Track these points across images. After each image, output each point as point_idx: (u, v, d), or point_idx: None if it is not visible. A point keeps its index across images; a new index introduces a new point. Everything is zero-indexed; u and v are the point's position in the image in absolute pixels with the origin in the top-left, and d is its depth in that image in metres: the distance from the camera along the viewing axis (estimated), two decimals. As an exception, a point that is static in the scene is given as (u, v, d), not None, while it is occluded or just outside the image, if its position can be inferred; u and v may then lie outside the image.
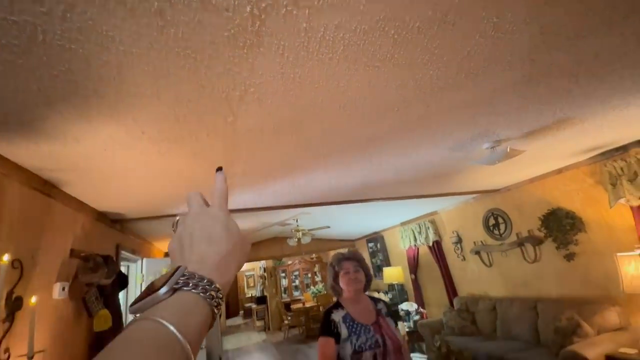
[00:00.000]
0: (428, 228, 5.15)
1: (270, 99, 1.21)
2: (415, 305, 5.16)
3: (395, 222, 6.06)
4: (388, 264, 6.45)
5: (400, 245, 5.94)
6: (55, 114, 1.10)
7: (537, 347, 3.02)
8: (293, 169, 2.13)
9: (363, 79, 1.18)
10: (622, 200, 2.68)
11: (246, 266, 11.83)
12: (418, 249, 5.56)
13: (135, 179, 1.85)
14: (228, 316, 12.20)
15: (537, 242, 3.53)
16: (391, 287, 6.09)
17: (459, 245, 4.68)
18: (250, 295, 13.11)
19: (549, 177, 3.38)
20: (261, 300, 10.21)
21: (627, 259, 2.49)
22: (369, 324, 1.49)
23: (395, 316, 1.61)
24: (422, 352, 4.30)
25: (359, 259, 1.66)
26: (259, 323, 9.79)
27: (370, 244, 7.21)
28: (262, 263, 10.52)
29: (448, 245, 4.90)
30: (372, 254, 7.18)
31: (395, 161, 2.31)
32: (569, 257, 3.21)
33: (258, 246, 7.32)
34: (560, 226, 3.25)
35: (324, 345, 1.45)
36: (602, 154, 2.87)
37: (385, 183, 2.94)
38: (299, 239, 5.44)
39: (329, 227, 5.37)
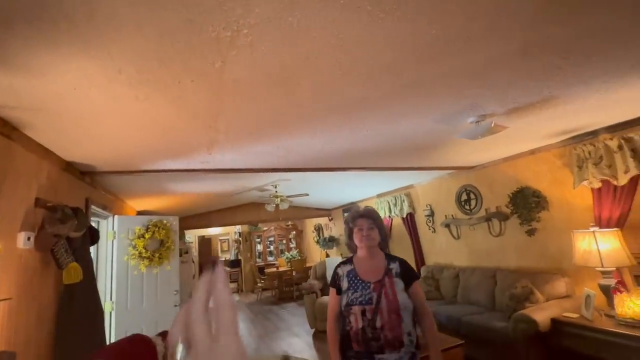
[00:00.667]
0: (403, 201, 5.32)
1: (263, 45, 1.13)
2: (384, 272, 5.43)
3: (372, 194, 6.20)
4: (362, 234, 6.66)
5: (375, 216, 6.12)
6: (17, 38, 0.97)
7: (492, 311, 3.32)
8: (279, 129, 2.07)
9: (363, 32, 1.12)
10: (585, 182, 2.87)
11: (221, 230, 11.83)
12: (392, 220, 5.76)
13: (108, 126, 1.72)
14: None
15: (503, 217, 3.76)
16: (363, 255, 6.35)
17: (431, 218, 4.89)
18: (224, 259, 13.27)
19: (522, 157, 3.53)
20: (235, 263, 10.35)
21: (582, 235, 2.72)
22: (372, 281, 1.51)
23: (408, 277, 1.53)
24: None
25: (375, 217, 1.62)
26: (232, 285, 10.00)
27: (346, 214, 7.38)
28: (238, 228, 10.55)
29: (420, 218, 5.11)
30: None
31: (381, 129, 2.30)
32: (530, 232, 3.46)
33: (235, 211, 7.28)
34: (526, 204, 3.46)
35: (330, 294, 1.64)
36: (573, 137, 3.01)
37: (368, 152, 2.95)
38: (277, 205, 5.45)
39: (307, 194, 5.40)
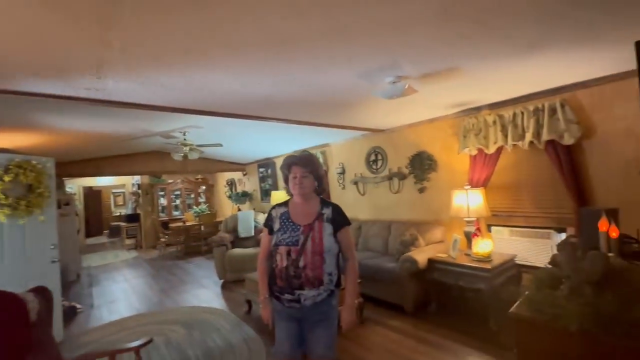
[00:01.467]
0: (318, 158, 5.50)
1: None
2: (296, 225, 5.68)
3: (289, 150, 6.21)
4: (276, 189, 6.73)
5: (290, 172, 6.21)
6: None
7: (385, 255, 3.87)
8: (192, 58, 1.80)
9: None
10: (466, 150, 3.44)
11: (113, 181, 10.33)
12: (306, 176, 5.94)
13: None
14: (89, 235, 10.82)
15: (402, 177, 4.27)
16: (276, 209, 6.48)
17: (342, 176, 5.23)
18: (118, 213, 11.79)
19: (423, 124, 3.99)
20: (133, 217, 9.33)
21: (458, 193, 3.30)
22: (302, 224, 1.57)
23: (338, 222, 1.60)
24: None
25: (309, 165, 1.61)
26: (129, 241, 9.08)
27: (262, 169, 7.29)
28: (136, 179, 9.38)
29: (332, 175, 5.41)
30: (262, 179, 7.32)
31: (305, 78, 2.25)
32: (422, 190, 4.04)
33: (134, 159, 6.39)
34: (421, 166, 4.00)
35: (263, 234, 1.72)
36: (464, 110, 3.52)
37: (289, 102, 2.88)
38: (185, 155, 4.98)
39: (221, 145, 5.07)
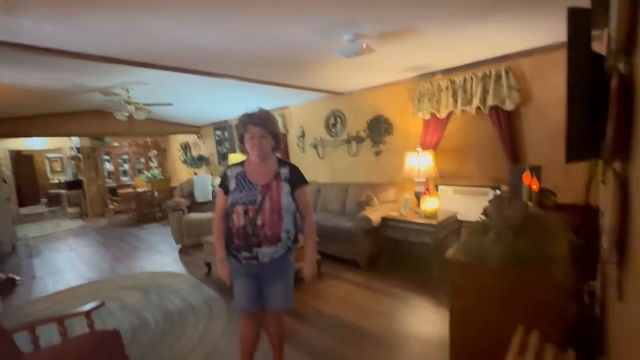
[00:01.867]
0: (275, 116, 5.38)
1: None
2: (255, 189, 5.65)
3: (247, 112, 5.97)
4: (234, 152, 6.53)
5: (248, 135, 6.03)
6: None
7: (343, 216, 4.04)
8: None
9: None
10: (420, 114, 3.58)
11: (47, 145, 9.24)
12: (265, 140, 5.82)
13: None
14: (22, 204, 9.79)
15: (359, 140, 4.36)
16: (235, 174, 6.34)
17: (301, 139, 5.20)
18: (57, 180, 10.72)
19: (381, 88, 4.03)
20: (74, 184, 8.56)
21: (411, 156, 3.48)
22: (259, 184, 1.56)
23: (296, 182, 1.61)
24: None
25: (268, 124, 1.55)
26: (72, 210, 8.38)
27: (218, 132, 6.96)
28: (75, 142, 8.49)
29: (292, 138, 5.35)
30: (219, 142, 7.03)
31: (260, 31, 2.11)
32: (378, 153, 4.19)
33: (70, 119, 5.72)
34: (378, 129, 4.10)
35: (218, 194, 1.68)
36: (420, 75, 3.60)
37: (244, 58, 2.71)
38: (130, 114, 4.56)
39: (171, 104, 4.71)
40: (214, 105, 5.51)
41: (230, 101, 5.13)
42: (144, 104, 4.47)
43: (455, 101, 3.31)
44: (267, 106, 5.47)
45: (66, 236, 6.20)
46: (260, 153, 1.56)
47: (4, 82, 3.39)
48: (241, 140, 1.62)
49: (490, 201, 1.45)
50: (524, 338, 1.01)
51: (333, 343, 2.20)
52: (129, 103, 4.40)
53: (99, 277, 3.83)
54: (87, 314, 1.85)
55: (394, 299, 2.75)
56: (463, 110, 3.28)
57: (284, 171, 1.62)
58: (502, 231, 1.38)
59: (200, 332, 2.42)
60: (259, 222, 1.53)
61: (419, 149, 3.47)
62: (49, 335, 2.33)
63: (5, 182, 6.19)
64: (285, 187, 1.59)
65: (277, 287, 1.66)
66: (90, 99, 4.83)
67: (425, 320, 2.41)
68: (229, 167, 1.68)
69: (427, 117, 3.54)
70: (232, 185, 1.61)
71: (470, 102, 3.21)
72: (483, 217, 1.61)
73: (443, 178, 3.62)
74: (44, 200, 10.92)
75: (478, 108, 3.14)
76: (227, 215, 1.63)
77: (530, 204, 1.53)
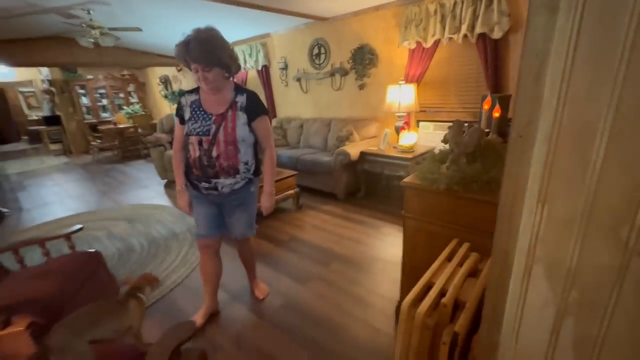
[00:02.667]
0: (259, 51, 5.04)
1: None
2: (238, 125, 5.55)
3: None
4: (216, 87, 6.24)
5: (229, 67, 5.69)
6: None
7: (324, 151, 4.07)
8: None
9: None
10: (405, 43, 3.37)
11: (16, 77, 8.63)
12: (247, 73, 5.52)
13: None
14: (2, 142, 9.53)
15: (343, 73, 4.17)
16: (218, 109, 6.14)
17: (284, 72, 4.94)
18: (35, 116, 10.28)
19: (368, 13, 3.71)
20: (52, 120, 8.24)
21: (392, 89, 3.37)
22: (215, 114, 1.47)
23: (253, 111, 1.49)
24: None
25: (209, 58, 1.33)
26: (54, 147, 8.23)
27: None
28: (45, 74, 7.94)
29: (275, 71, 5.08)
30: (199, 76, 6.65)
31: None
32: (362, 86, 4.04)
33: (29, 46, 5.25)
34: (363, 60, 3.89)
35: (175, 124, 1.61)
36: (409, -3, 3.30)
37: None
38: (96, 41, 4.18)
39: (139, 29, 4.31)
40: (187, 30, 5.07)
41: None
42: (110, 29, 4.08)
43: (443, 28, 3.10)
44: (247, 33, 5.05)
45: (51, 172, 6.18)
46: (210, 87, 1.43)
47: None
48: (189, 67, 1.42)
49: (449, 127, 1.46)
50: (456, 248, 1.12)
51: (305, 263, 2.40)
52: (92, 27, 4.00)
53: (86, 209, 3.94)
54: (67, 236, 1.95)
55: (367, 227, 2.93)
56: (450, 39, 3.10)
57: (241, 99, 1.50)
58: (458, 157, 1.42)
59: (182, 255, 2.59)
60: (213, 153, 1.47)
61: (402, 82, 3.35)
62: (36, 259, 2.47)
63: (-25, 116, 5.91)
64: (242, 117, 1.49)
65: (238, 215, 1.67)
66: (47, 21, 4.38)
67: (391, 245, 2.60)
68: (183, 94, 1.56)
69: (413, 46, 3.35)
70: (187, 114, 1.52)
71: (458, 29, 3.01)
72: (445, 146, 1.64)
73: (425, 113, 3.57)
74: (25, 138, 10.61)
75: (465, 36, 2.97)
76: (185, 146, 1.56)
77: (488, 131, 1.55)
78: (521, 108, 0.41)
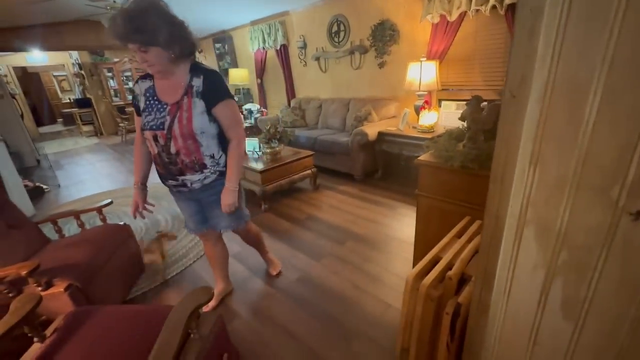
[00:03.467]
0: (278, 30, 4.98)
1: None
2: (257, 106, 5.59)
3: (245, 21, 5.50)
4: (236, 66, 6.26)
5: (249, 48, 5.68)
6: None
7: (342, 132, 4.04)
8: None
9: None
10: (429, 17, 3.21)
11: (49, 61, 9.04)
12: (266, 52, 5.50)
13: None
14: (40, 124, 10.15)
15: (363, 51, 4.05)
16: (237, 90, 6.19)
17: (303, 51, 4.87)
18: (68, 99, 10.82)
19: (390, -15, 3.55)
20: (84, 103, 8.64)
21: (413, 67, 3.25)
22: (169, 103, 1.26)
23: (211, 98, 1.27)
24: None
25: (142, 36, 1.10)
26: (86, 128, 8.66)
27: (218, 45, 6.56)
28: (75, 58, 8.27)
29: (294, 50, 5.02)
30: (220, 56, 6.69)
31: None
32: (382, 65, 3.93)
33: (59, 30, 5.46)
34: (383, 37, 3.76)
35: (134, 114, 1.40)
36: (433, -33, 3.11)
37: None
38: (120, 23, 4.28)
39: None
40: (208, 11, 5.07)
41: (226, 8, 4.69)
42: (132, 11, 4.16)
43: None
44: (266, 12, 5.03)
45: (84, 152, 6.55)
46: (154, 71, 1.21)
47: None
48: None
49: (466, 104, 1.42)
50: (467, 225, 1.11)
51: (321, 241, 2.46)
52: (116, 9, 4.10)
53: (116, 187, 4.17)
54: (99, 209, 2.09)
55: (383, 208, 2.94)
56: (477, 11, 2.91)
57: (197, 83, 1.25)
58: (474, 134, 1.38)
59: (204, 230, 2.72)
60: (172, 150, 1.28)
61: (423, 59, 3.22)
62: (72, 230, 2.67)
63: (15, 99, 6.30)
64: (199, 105, 1.25)
65: (218, 212, 1.49)
66: (76, 7, 4.52)
67: (407, 225, 2.60)
68: (137, 80, 1.35)
69: (437, 20, 3.19)
70: (142, 104, 1.32)
71: (486, 0, 2.83)
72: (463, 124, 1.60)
73: (447, 92, 3.44)
74: (60, 120, 11.23)
75: (494, 7, 2.78)
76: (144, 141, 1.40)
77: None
78: (515, 65, 0.40)
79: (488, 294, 0.55)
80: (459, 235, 1.08)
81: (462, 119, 1.50)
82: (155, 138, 1.29)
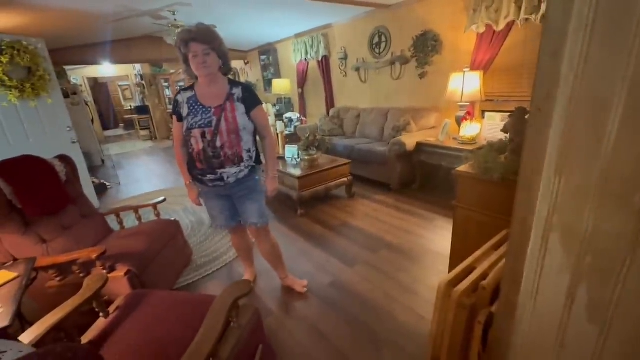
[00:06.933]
0: (320, 42, 5.15)
1: None
2: (297, 115, 5.79)
3: (290, 34, 5.77)
4: (279, 77, 6.55)
5: (292, 59, 5.93)
6: None
7: (379, 141, 4.05)
8: None
9: None
10: (474, 27, 3.15)
11: (116, 71, 10.13)
12: (308, 63, 5.70)
13: None
14: (105, 128, 11.35)
15: (404, 61, 4.06)
16: (279, 100, 6.47)
17: (344, 62, 4.99)
18: (129, 107, 12.00)
19: (434, -3, 3.55)
20: (143, 110, 9.53)
21: (456, 77, 3.20)
22: (213, 106, 1.52)
23: (250, 102, 1.57)
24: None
25: (210, 40, 1.44)
26: (143, 133, 9.51)
27: (263, 57, 6.93)
28: (138, 70, 9.18)
29: (334, 61, 5.16)
30: (264, 67, 7.05)
31: None
32: (422, 75, 3.90)
33: (128, 45, 6.12)
34: (425, 47, 3.75)
35: (173, 122, 1.65)
36: (480, -23, 3.07)
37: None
38: (179, 38, 4.73)
39: (215, 27, 4.73)
40: (257, 27, 5.41)
41: (272, 21, 4.98)
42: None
43: (519, 8, 2.83)
44: (310, 25, 5.21)
45: (141, 154, 7.21)
46: (207, 72, 1.47)
47: (63, 7, 3.70)
48: (185, 61, 1.51)
49: (510, 115, 1.39)
50: (504, 239, 1.09)
51: (354, 248, 2.49)
52: (176, 27, 4.54)
53: (167, 187, 4.55)
54: (154, 205, 2.32)
55: (419, 219, 2.89)
56: (527, 20, 2.82)
57: (237, 91, 1.56)
58: (517, 146, 1.35)
59: (244, 231, 2.88)
60: (218, 143, 1.53)
61: (466, 69, 3.16)
62: (130, 222, 2.97)
63: (88, 105, 7.15)
64: (240, 107, 1.55)
65: (248, 206, 1.72)
66: (143, 25, 5.07)
67: (443, 238, 2.54)
68: (178, 92, 1.61)
69: (482, 30, 3.12)
70: (185, 110, 1.56)
71: (537, 8, 2.72)
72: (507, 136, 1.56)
73: (491, 103, 3.33)
74: (122, 125, 12.47)
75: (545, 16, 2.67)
76: (186, 142, 1.62)
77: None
78: (540, 83, 0.42)
79: (515, 294, 0.56)
80: (495, 247, 1.07)
81: (504, 130, 1.48)
82: (203, 135, 1.53)
